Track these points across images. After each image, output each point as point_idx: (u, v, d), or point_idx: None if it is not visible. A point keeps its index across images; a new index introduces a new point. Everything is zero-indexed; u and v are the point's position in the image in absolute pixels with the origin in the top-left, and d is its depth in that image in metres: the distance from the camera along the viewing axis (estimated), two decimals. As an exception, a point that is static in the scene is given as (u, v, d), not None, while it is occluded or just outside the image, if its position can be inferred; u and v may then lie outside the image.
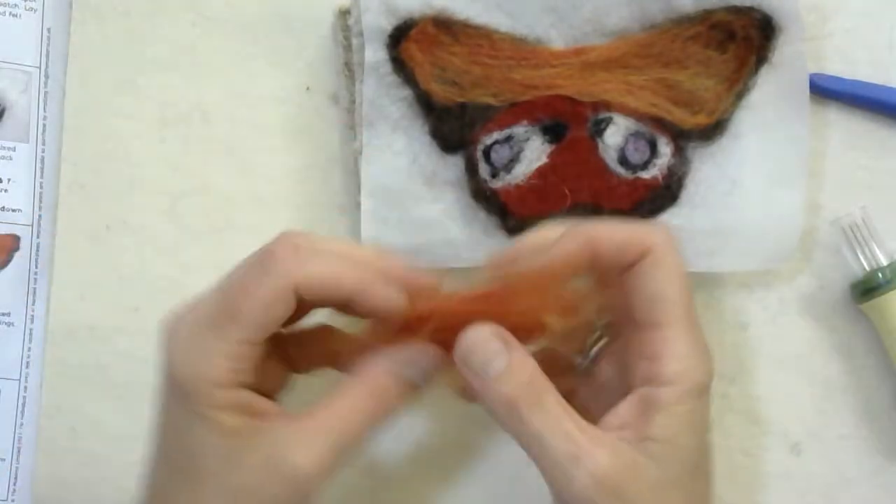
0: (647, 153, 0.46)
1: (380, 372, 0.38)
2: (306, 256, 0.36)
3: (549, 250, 0.38)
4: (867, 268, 0.48)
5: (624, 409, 0.37)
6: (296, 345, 0.41)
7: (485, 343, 0.37)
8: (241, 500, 0.36)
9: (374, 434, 0.38)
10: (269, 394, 0.39)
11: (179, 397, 0.36)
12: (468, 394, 0.39)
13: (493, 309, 0.38)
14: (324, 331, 0.42)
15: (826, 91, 0.49)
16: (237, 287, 0.36)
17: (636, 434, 0.36)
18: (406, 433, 0.49)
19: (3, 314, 0.48)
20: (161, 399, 0.37)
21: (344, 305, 0.38)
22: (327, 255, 0.37)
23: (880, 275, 0.47)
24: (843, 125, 0.50)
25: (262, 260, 0.37)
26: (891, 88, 0.50)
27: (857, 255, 0.48)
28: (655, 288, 0.37)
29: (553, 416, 0.36)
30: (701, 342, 0.37)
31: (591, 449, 0.35)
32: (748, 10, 0.45)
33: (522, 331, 0.38)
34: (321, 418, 0.37)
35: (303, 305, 0.37)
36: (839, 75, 0.50)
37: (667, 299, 0.37)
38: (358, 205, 0.47)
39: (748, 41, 0.46)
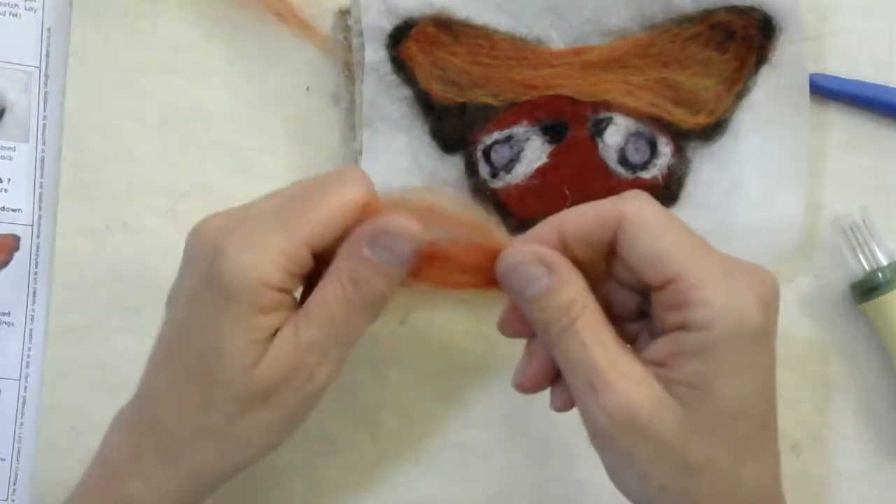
0: (647, 153, 0.46)
1: (347, 254, 0.36)
2: (373, 189, 0.37)
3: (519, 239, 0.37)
4: (867, 268, 0.48)
5: (659, 347, 0.36)
6: None
7: (526, 265, 0.36)
8: (255, 406, 0.36)
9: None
10: None
11: (218, 295, 0.35)
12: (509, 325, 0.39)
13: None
14: None
15: (826, 91, 0.49)
16: (312, 189, 0.36)
17: (669, 374, 0.35)
18: (406, 433, 0.49)
19: (3, 314, 0.48)
20: (186, 298, 0.37)
21: None
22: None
23: (880, 275, 0.47)
24: (843, 125, 0.50)
25: (338, 174, 0.37)
26: (891, 88, 0.50)
27: (857, 255, 0.48)
28: (648, 249, 0.35)
29: (582, 343, 0.35)
30: (736, 285, 0.35)
31: (614, 381, 0.34)
32: (748, 10, 0.45)
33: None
34: (327, 327, 0.36)
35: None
36: (839, 75, 0.50)
37: (665, 253, 0.35)
38: (358, 205, 0.47)
39: (748, 41, 0.46)
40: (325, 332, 0.36)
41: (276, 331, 0.36)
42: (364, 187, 0.37)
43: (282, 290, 0.36)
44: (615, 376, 0.35)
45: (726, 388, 0.34)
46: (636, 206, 0.36)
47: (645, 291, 0.37)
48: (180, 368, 0.37)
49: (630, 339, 0.39)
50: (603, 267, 0.37)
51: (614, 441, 0.35)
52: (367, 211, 0.37)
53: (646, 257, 0.35)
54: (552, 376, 0.38)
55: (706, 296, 0.34)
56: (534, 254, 0.36)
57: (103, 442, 0.39)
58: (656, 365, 0.35)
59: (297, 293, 0.38)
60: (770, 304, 0.35)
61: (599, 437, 0.36)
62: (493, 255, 0.38)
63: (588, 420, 0.36)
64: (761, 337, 0.35)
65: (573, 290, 0.36)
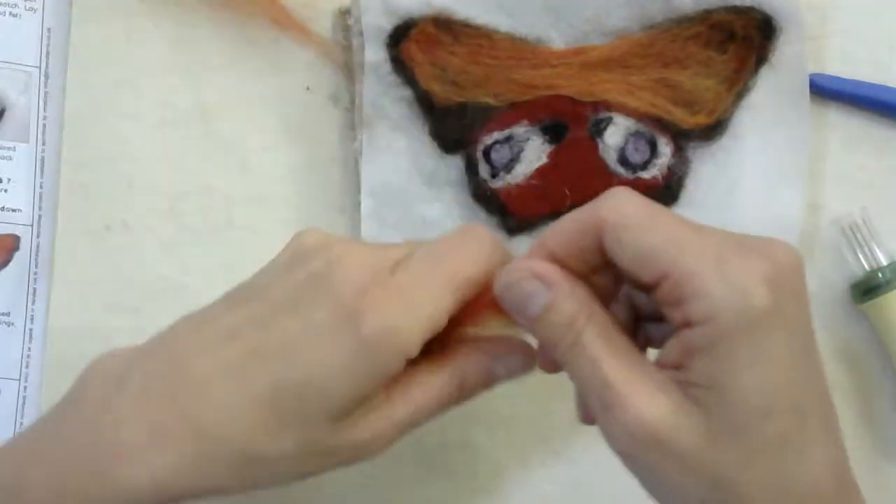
0: (647, 153, 0.46)
1: (471, 362, 0.37)
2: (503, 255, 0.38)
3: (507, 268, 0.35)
4: (867, 268, 0.48)
5: (671, 348, 0.33)
6: None
7: (521, 282, 0.34)
8: (313, 456, 0.35)
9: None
10: None
11: (351, 340, 0.34)
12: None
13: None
14: None
15: (826, 91, 0.49)
16: (450, 251, 0.37)
17: (685, 376, 0.32)
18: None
19: (3, 314, 0.48)
20: (292, 304, 0.35)
21: None
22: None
23: (880, 275, 0.47)
24: (843, 125, 0.50)
25: (481, 241, 0.37)
26: (891, 88, 0.50)
27: (857, 255, 0.48)
28: (632, 247, 0.33)
29: (591, 358, 0.33)
30: (735, 268, 0.31)
31: (628, 396, 0.32)
32: (748, 10, 0.45)
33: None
34: (421, 414, 0.37)
35: None
36: (839, 75, 0.50)
37: (651, 248, 0.32)
38: (358, 205, 0.47)
39: (748, 41, 0.46)
40: (416, 418, 0.36)
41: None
42: (494, 248, 0.37)
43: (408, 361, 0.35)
44: (629, 391, 0.32)
45: (745, 383, 0.31)
46: (614, 206, 0.34)
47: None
48: (261, 377, 0.34)
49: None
50: (609, 277, 0.36)
51: (639, 460, 0.33)
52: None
53: (632, 256, 0.33)
54: None
55: (702, 286, 0.31)
56: (527, 270, 0.34)
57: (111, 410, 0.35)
58: (674, 368, 0.33)
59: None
60: (780, 282, 0.31)
61: (624, 459, 0.34)
62: None
63: (610, 441, 0.33)
64: (773, 320, 0.31)
65: (575, 302, 0.34)
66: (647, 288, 0.33)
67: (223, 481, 0.35)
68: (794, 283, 0.32)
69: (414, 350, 0.35)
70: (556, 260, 0.35)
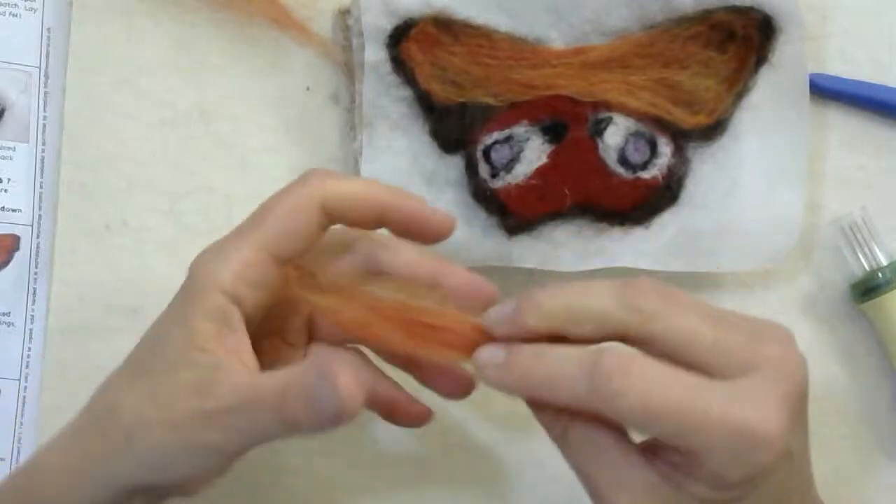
0: (647, 153, 0.46)
1: (298, 369, 0.34)
2: (336, 178, 0.38)
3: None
4: (867, 268, 0.48)
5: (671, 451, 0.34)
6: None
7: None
8: (162, 406, 0.36)
9: None
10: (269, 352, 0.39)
11: (180, 297, 0.37)
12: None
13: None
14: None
15: (826, 91, 0.49)
16: (266, 202, 0.38)
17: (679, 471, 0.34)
18: (406, 433, 0.49)
19: (3, 314, 0.48)
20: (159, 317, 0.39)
21: (378, 225, 0.38)
22: (356, 180, 0.39)
23: (880, 275, 0.47)
24: (842, 125, 0.50)
25: (293, 182, 0.38)
26: (891, 88, 0.50)
27: (857, 255, 0.48)
28: (644, 431, 0.34)
29: (577, 459, 0.35)
30: (750, 417, 0.31)
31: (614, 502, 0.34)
32: (748, 10, 0.45)
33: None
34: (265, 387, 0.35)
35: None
36: (839, 75, 0.50)
37: (659, 426, 0.32)
38: (358, 205, 0.47)
39: (748, 41, 0.46)
40: (250, 412, 0.35)
41: (222, 343, 0.36)
42: (315, 185, 0.37)
43: (234, 296, 0.36)
44: (615, 496, 0.34)
45: (762, 492, 0.33)
46: (614, 408, 0.32)
47: None
48: (134, 357, 0.39)
49: None
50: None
51: None
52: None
53: (637, 426, 0.34)
54: None
55: (717, 465, 0.32)
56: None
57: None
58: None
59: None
60: (795, 399, 0.33)
61: None
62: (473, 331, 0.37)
63: None
64: (789, 446, 0.33)
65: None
66: None
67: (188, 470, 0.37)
68: (804, 393, 0.33)
69: (224, 282, 0.36)
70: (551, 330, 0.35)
